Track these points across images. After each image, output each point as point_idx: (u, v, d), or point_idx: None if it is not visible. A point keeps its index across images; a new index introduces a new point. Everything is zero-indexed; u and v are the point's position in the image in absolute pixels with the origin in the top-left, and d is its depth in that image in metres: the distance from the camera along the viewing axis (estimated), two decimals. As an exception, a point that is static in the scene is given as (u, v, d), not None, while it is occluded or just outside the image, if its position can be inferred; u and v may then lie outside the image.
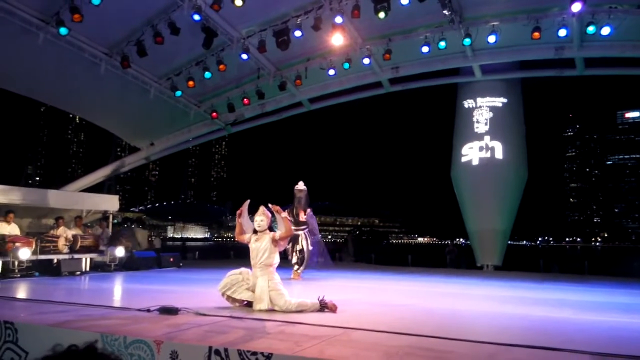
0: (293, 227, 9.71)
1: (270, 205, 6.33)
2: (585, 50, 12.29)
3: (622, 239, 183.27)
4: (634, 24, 11.02)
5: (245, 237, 6.25)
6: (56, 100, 15.31)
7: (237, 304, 6.03)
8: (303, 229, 10.29)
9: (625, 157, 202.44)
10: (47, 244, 10.49)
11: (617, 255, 70.09)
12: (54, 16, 10.71)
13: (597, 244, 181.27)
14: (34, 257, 9.96)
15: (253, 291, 5.90)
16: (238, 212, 6.35)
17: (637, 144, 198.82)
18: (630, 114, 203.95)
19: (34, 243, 10.01)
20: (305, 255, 10.12)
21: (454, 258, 18.29)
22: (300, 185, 10.48)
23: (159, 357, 3.84)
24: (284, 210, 7.98)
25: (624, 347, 4.20)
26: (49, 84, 13.49)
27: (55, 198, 12.38)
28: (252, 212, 6.30)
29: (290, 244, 10.00)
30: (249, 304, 5.92)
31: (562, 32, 11.30)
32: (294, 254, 10.17)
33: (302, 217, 10.29)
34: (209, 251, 38.39)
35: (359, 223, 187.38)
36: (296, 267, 10.14)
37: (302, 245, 10.16)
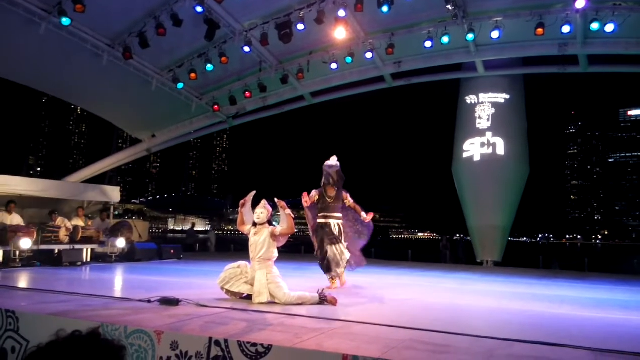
0: (320, 214, 7.69)
1: (276, 200, 6.28)
2: (589, 47, 12.25)
3: (622, 237, 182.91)
4: (638, 21, 10.97)
5: (246, 229, 6.26)
6: (58, 91, 15.29)
7: (236, 297, 6.05)
8: (335, 218, 7.69)
9: (627, 155, 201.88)
10: (49, 234, 10.53)
11: (618, 252, 70.15)
12: (56, 6, 10.67)
13: (598, 241, 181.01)
14: (35, 247, 9.98)
15: (252, 284, 5.91)
16: (241, 202, 6.35)
17: (639, 142, 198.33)
18: (632, 112, 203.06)
19: (35, 233, 10.04)
20: (332, 258, 7.41)
21: (447, 253, 18.30)
22: (332, 161, 7.81)
23: (160, 347, 3.86)
24: (314, 192, 7.67)
25: (623, 343, 4.21)
26: (51, 75, 13.46)
27: (57, 189, 12.42)
28: (256, 204, 6.29)
29: (318, 239, 7.66)
30: (248, 297, 5.94)
31: (566, 29, 11.25)
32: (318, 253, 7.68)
33: (346, 198, 7.87)
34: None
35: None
36: (327, 275, 7.57)
37: (326, 247, 7.45)
